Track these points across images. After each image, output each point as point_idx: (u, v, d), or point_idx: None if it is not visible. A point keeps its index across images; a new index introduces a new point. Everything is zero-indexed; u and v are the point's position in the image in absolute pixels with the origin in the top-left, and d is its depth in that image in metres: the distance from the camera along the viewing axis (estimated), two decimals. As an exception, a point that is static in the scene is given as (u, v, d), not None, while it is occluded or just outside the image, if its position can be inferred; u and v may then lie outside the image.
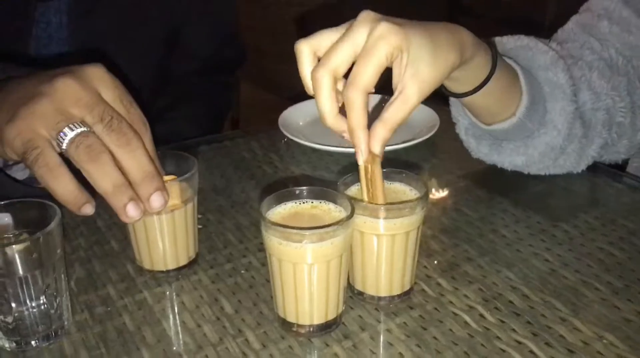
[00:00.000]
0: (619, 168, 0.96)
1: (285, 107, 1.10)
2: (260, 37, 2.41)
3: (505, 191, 0.88)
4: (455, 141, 0.92)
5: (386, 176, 0.65)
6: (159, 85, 1.23)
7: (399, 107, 0.60)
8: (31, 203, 0.60)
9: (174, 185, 0.65)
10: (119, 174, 0.58)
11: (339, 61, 0.60)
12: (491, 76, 0.72)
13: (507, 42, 0.84)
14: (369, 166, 0.60)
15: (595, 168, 0.91)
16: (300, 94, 1.09)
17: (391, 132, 0.60)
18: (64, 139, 0.57)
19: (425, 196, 0.62)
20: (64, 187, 0.57)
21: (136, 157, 0.58)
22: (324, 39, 0.62)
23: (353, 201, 0.60)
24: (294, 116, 1.07)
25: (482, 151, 0.89)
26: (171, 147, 1.00)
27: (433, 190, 0.89)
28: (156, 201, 0.59)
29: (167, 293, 0.68)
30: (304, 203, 0.62)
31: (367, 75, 0.58)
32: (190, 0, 1.18)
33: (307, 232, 0.55)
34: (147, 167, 0.59)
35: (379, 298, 0.65)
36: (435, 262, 0.72)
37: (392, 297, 0.65)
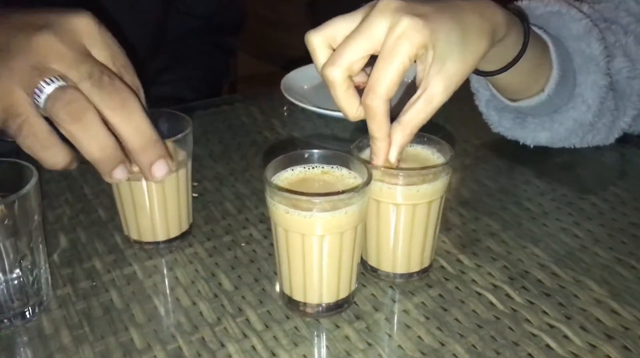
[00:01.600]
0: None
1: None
2: (256, 2, 2.32)
3: (526, 161, 0.81)
4: (471, 107, 0.85)
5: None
6: (156, 45, 1.16)
7: (422, 108, 0.53)
8: (4, 162, 0.53)
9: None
10: (108, 135, 0.50)
11: (353, 57, 0.53)
12: (522, 55, 0.65)
13: (536, 8, 0.76)
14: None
15: (623, 137, 0.84)
16: (291, 63, 1.02)
17: (411, 136, 0.54)
18: (40, 96, 0.49)
19: (450, 160, 0.55)
20: (54, 158, 0.51)
21: (134, 120, 0.51)
22: (338, 29, 0.55)
23: (369, 166, 0.53)
24: (298, 80, 1.00)
25: (504, 125, 0.82)
26: (159, 113, 0.94)
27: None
28: (159, 170, 0.53)
29: (159, 267, 0.62)
30: (314, 168, 0.55)
31: (388, 81, 0.51)
32: None
33: (318, 199, 0.49)
34: (147, 132, 0.52)
35: (395, 276, 0.58)
36: (455, 237, 0.66)
37: (410, 274, 0.58)
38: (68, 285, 0.59)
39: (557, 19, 0.75)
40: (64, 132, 0.50)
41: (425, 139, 0.59)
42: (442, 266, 0.61)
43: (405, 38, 0.51)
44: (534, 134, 0.80)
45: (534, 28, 0.71)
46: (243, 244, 0.65)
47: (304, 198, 0.48)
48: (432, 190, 0.54)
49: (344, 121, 0.91)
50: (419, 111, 0.53)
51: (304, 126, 0.92)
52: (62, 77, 0.50)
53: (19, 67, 0.50)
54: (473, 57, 0.54)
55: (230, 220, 0.69)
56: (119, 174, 0.52)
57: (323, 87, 0.99)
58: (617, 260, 0.62)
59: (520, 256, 0.63)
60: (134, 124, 0.51)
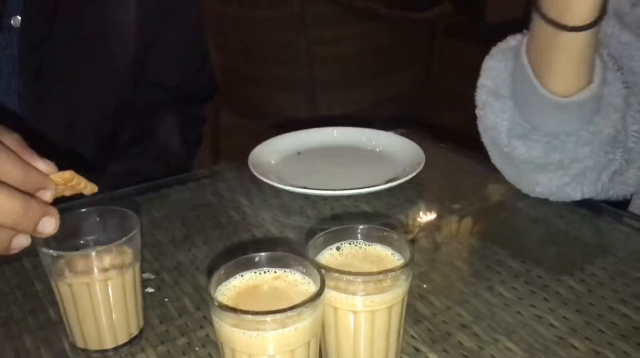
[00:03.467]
0: (621, 206, 0.87)
1: (270, 134, 1.01)
2: (235, 58, 2.30)
3: (500, 239, 0.78)
4: (444, 179, 0.83)
5: (364, 237, 0.56)
6: (122, 119, 1.13)
7: None
8: None
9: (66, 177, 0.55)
10: None
11: None
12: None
13: None
14: None
15: (594, 207, 0.82)
16: (285, 122, 1.01)
17: None
18: None
19: (410, 262, 0.52)
20: None
21: None
22: None
23: (324, 272, 0.50)
24: (265, 154, 0.97)
25: (533, 154, 0.78)
26: (123, 193, 0.90)
27: (419, 239, 0.79)
28: (47, 228, 0.52)
29: (107, 378, 0.58)
30: (264, 272, 0.52)
31: None
32: (154, 29, 1.09)
33: (268, 318, 0.45)
34: (9, 206, 0.49)
35: (358, 384, 0.54)
36: (425, 330, 0.62)
37: (373, 382, 0.54)
38: (6, 405, 0.55)
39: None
40: None
41: (385, 234, 0.55)
42: (410, 368, 0.58)
43: None
44: (574, 151, 0.77)
45: None
46: (197, 348, 0.61)
47: (248, 317, 0.45)
48: (391, 297, 0.50)
49: (312, 197, 0.88)
50: None
51: (272, 203, 0.89)
52: None
53: None
54: None
55: (187, 318, 0.65)
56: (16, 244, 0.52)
57: (290, 162, 0.98)
58: (594, 352, 0.59)
59: (493, 352, 0.59)
60: None
